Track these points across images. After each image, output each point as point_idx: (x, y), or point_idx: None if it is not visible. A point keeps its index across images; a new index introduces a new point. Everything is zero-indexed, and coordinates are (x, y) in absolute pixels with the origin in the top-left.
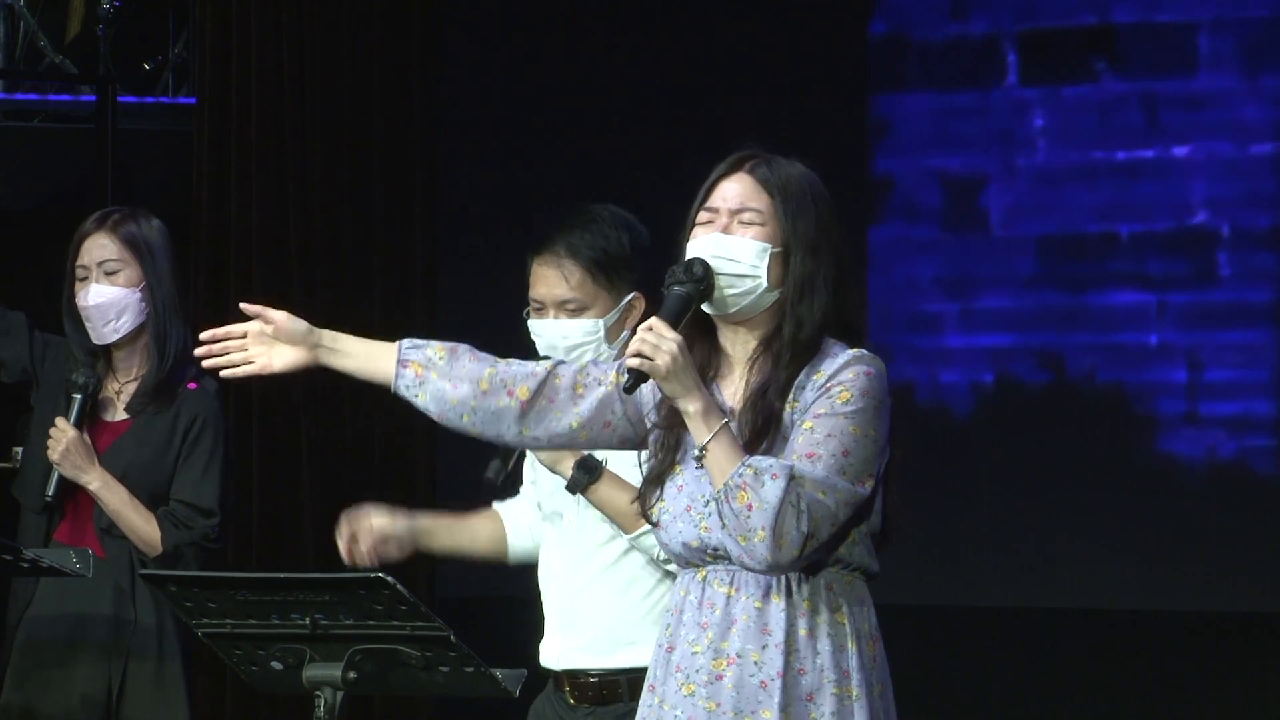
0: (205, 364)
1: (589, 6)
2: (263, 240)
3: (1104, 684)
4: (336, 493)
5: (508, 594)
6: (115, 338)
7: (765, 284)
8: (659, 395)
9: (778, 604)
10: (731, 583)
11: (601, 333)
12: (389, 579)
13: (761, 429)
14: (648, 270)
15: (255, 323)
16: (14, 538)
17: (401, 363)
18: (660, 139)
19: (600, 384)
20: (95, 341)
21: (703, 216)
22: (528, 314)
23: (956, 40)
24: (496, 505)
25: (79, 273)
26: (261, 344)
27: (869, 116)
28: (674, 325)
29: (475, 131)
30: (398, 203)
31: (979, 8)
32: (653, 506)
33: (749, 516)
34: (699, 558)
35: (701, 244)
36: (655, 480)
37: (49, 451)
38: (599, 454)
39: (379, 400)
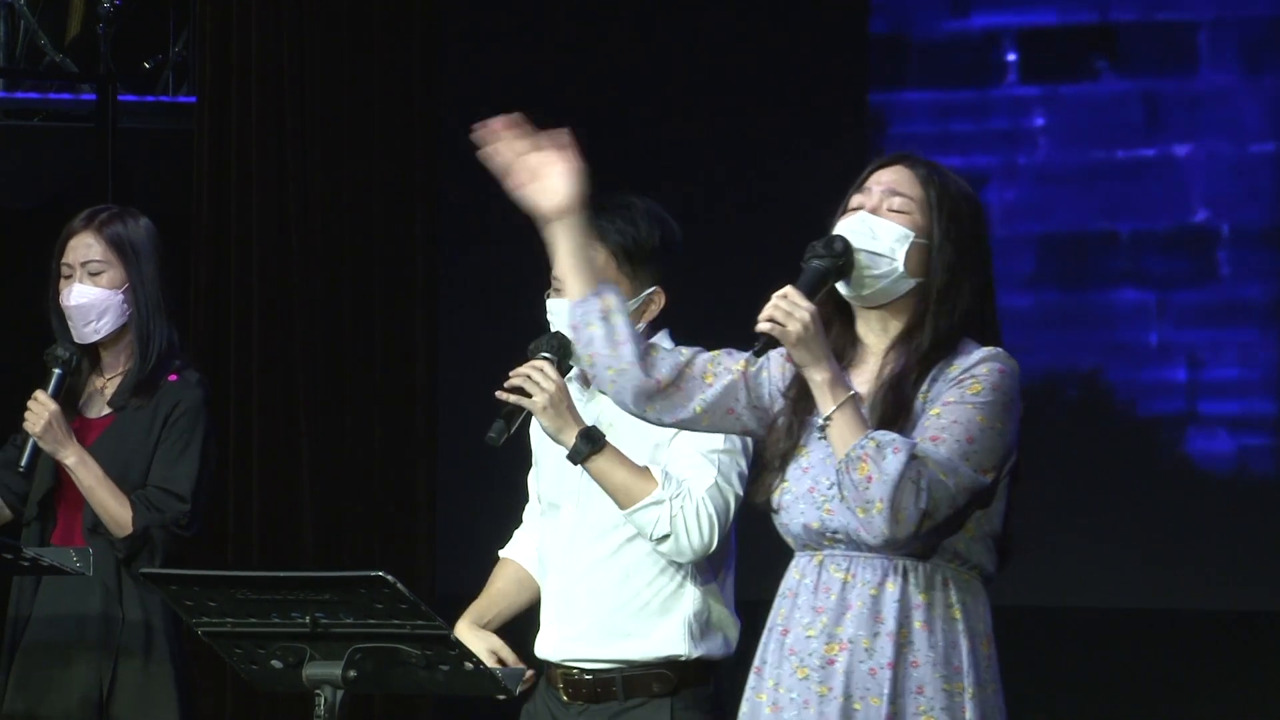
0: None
1: (589, 6)
2: (263, 239)
3: (1103, 683)
4: (336, 492)
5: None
6: (96, 338)
7: (901, 270)
8: (788, 378)
9: (892, 593)
10: (848, 568)
11: None
12: (389, 578)
13: (892, 417)
14: (674, 266)
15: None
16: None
17: (596, 294)
18: (661, 139)
19: (729, 372)
20: (76, 340)
21: (854, 200)
22: (548, 294)
23: (956, 38)
24: (503, 553)
25: (64, 270)
26: (539, 164)
27: (869, 115)
28: (809, 296)
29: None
30: (398, 201)
31: (979, 6)
32: (775, 489)
33: (868, 488)
34: (818, 541)
35: (848, 221)
36: (779, 462)
37: (27, 423)
38: (603, 428)
39: (379, 400)
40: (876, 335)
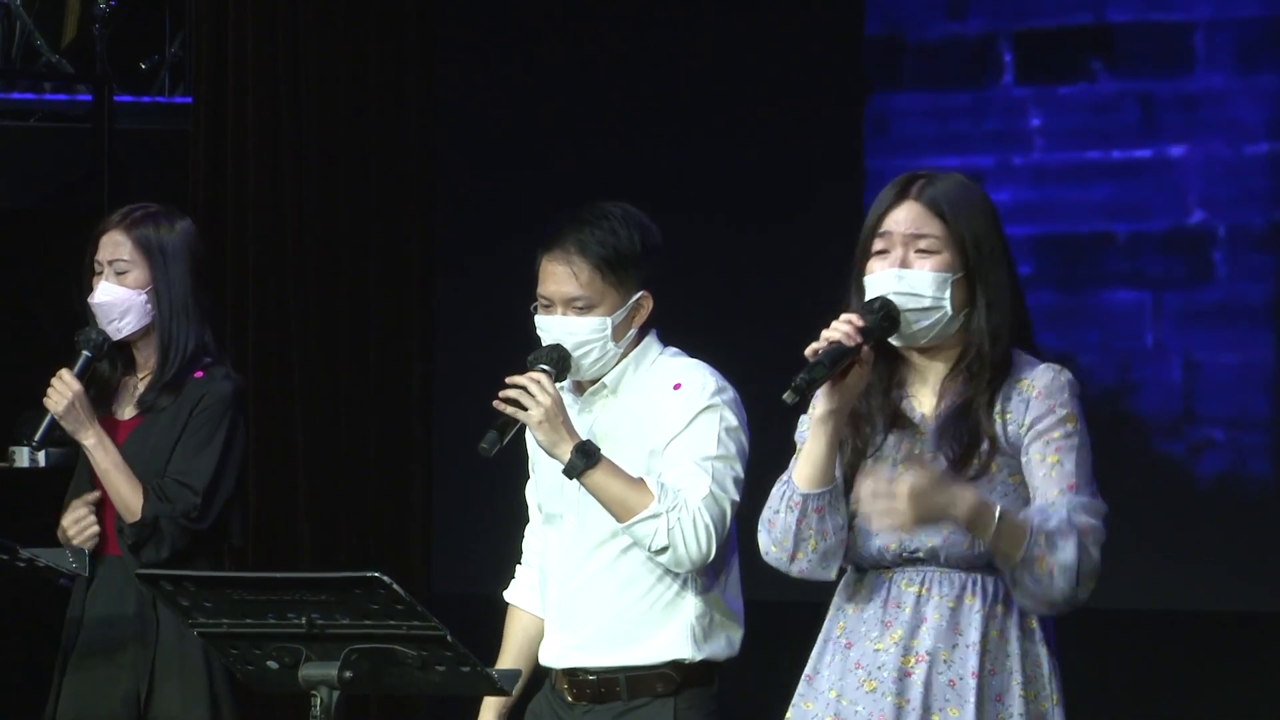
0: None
1: (585, 8)
2: (259, 240)
3: (1102, 684)
4: (332, 493)
5: (504, 594)
6: (118, 336)
7: (950, 312)
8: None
9: (971, 604)
10: (922, 582)
11: (608, 330)
12: (385, 578)
13: (970, 445)
14: (659, 269)
15: None
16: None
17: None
18: (658, 140)
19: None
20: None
21: (877, 245)
22: (535, 309)
23: (952, 39)
24: (509, 598)
25: (95, 267)
26: None
27: (865, 116)
28: (835, 374)
29: (472, 130)
30: (394, 202)
31: (975, 7)
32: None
33: (1052, 581)
34: (893, 560)
35: (881, 279)
36: (847, 484)
37: (49, 401)
38: (598, 440)
39: (374, 401)
40: (928, 363)
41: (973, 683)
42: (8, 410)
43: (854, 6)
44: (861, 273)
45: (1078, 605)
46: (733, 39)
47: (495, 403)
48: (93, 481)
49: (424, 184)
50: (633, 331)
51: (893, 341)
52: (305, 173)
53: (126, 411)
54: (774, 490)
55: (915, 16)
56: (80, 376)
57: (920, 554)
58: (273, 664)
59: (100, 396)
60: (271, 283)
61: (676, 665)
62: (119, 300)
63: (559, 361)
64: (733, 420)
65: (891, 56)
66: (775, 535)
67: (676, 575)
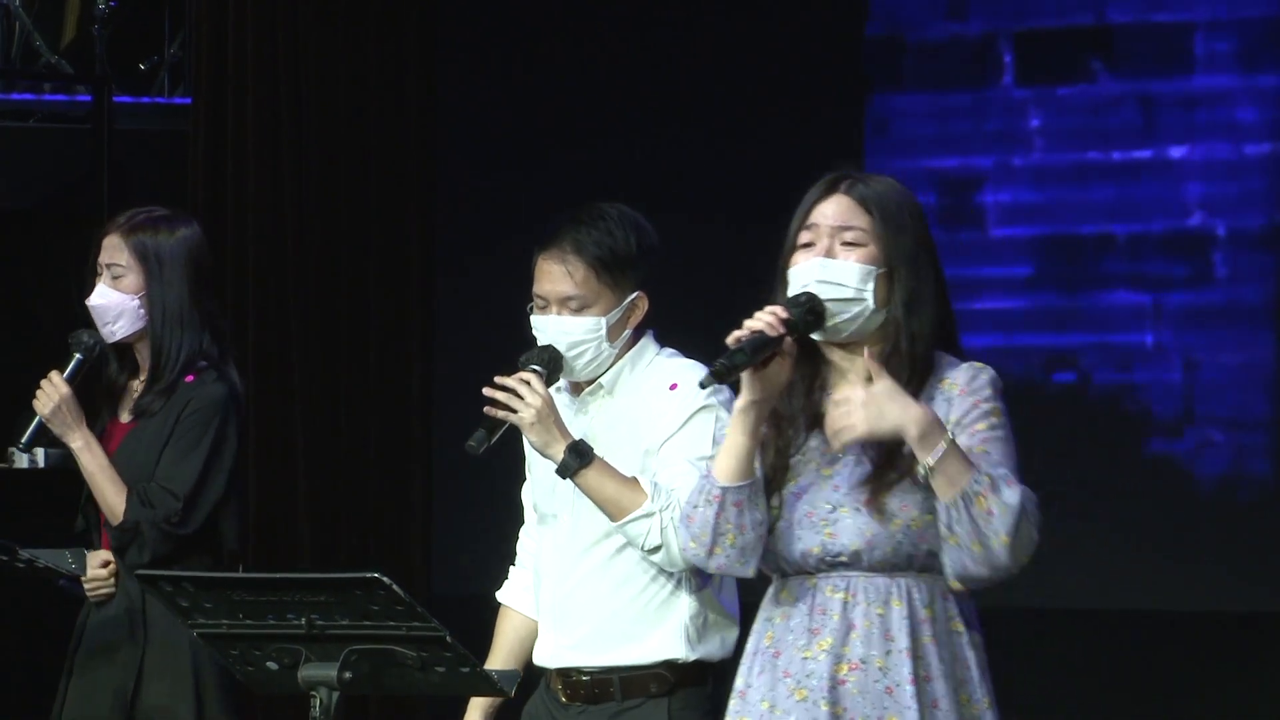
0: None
1: (585, 8)
2: (258, 241)
3: (1102, 685)
4: (332, 494)
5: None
6: (113, 339)
7: (873, 305)
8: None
9: (899, 610)
10: (847, 589)
11: (603, 331)
12: (385, 579)
13: (893, 446)
14: (654, 270)
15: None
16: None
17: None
18: (658, 142)
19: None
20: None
21: (803, 237)
22: (531, 308)
23: (952, 40)
24: (501, 598)
25: (97, 268)
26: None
27: (865, 117)
28: (757, 363)
29: (472, 130)
30: (394, 202)
31: (975, 8)
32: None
33: (990, 522)
34: (815, 565)
35: (805, 269)
36: (769, 486)
37: (37, 403)
38: (591, 440)
39: (374, 401)
40: (850, 362)
41: (910, 689)
42: (8, 410)
43: (854, 7)
44: (787, 266)
45: (1007, 570)
46: (733, 39)
47: (487, 409)
48: None
49: (424, 184)
50: (628, 332)
51: (815, 336)
52: (305, 173)
53: (126, 415)
54: (693, 485)
55: (915, 17)
56: (71, 379)
57: (843, 558)
58: (272, 665)
59: (108, 399)
60: (271, 283)
61: (670, 665)
62: (112, 304)
63: (550, 362)
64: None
65: (892, 57)
66: (694, 530)
67: (670, 575)
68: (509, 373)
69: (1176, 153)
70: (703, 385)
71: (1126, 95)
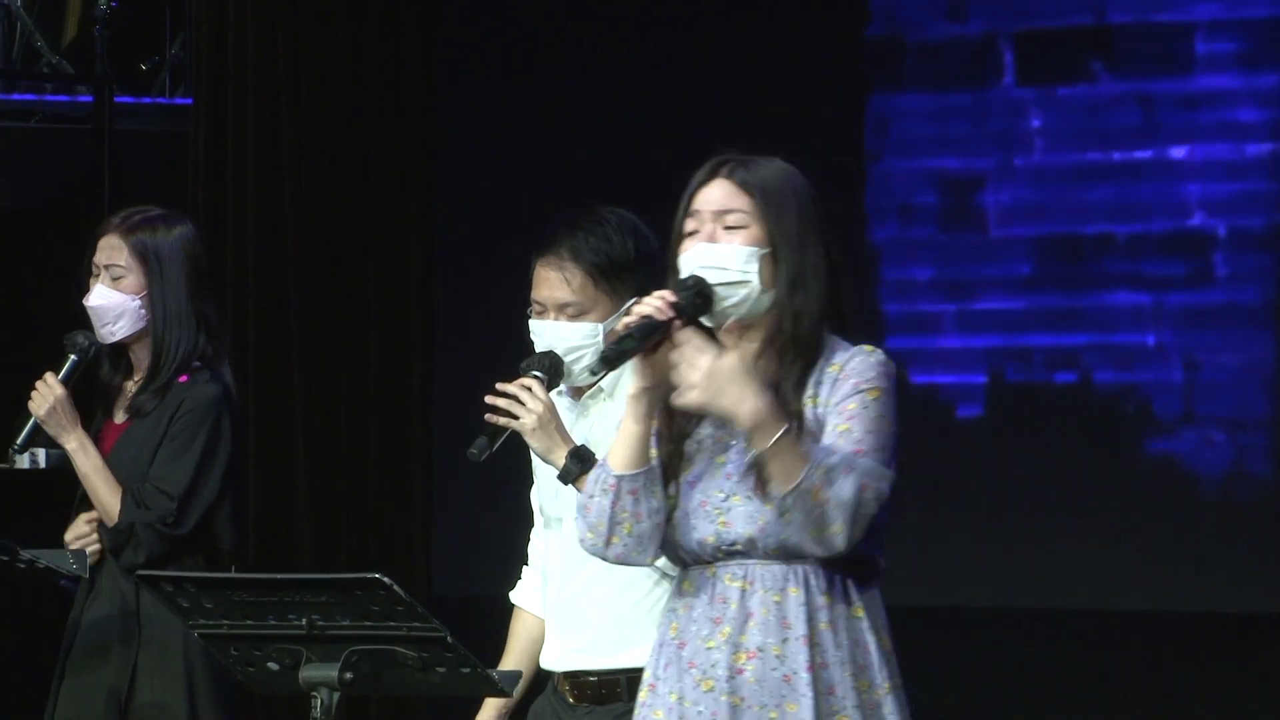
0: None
1: (585, 8)
2: (259, 241)
3: (1102, 685)
4: (333, 494)
5: (505, 594)
6: (112, 340)
7: (759, 287)
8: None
9: (796, 597)
10: (745, 577)
11: (600, 336)
12: (385, 580)
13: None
14: (652, 275)
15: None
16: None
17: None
18: (658, 143)
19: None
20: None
21: (688, 225)
22: (530, 313)
23: (953, 40)
24: (514, 599)
25: (93, 269)
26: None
27: (865, 117)
28: (646, 347)
29: (472, 130)
30: (394, 202)
31: (975, 8)
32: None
33: (824, 513)
34: (712, 554)
35: (690, 256)
36: (665, 474)
37: (32, 404)
38: (593, 446)
39: (375, 401)
40: (742, 346)
41: (806, 676)
42: (7, 410)
43: (855, 7)
44: (676, 254)
45: (841, 551)
46: (733, 39)
47: (487, 416)
48: None
49: (424, 184)
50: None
51: (706, 321)
52: (305, 173)
53: (120, 415)
54: (589, 475)
55: (916, 17)
56: (66, 380)
57: (739, 546)
58: (273, 665)
59: (103, 400)
60: (271, 283)
61: None
62: (113, 305)
63: (551, 368)
64: None
65: (892, 57)
66: (590, 520)
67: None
68: (509, 375)
69: (1177, 153)
70: (592, 372)
71: (1127, 95)
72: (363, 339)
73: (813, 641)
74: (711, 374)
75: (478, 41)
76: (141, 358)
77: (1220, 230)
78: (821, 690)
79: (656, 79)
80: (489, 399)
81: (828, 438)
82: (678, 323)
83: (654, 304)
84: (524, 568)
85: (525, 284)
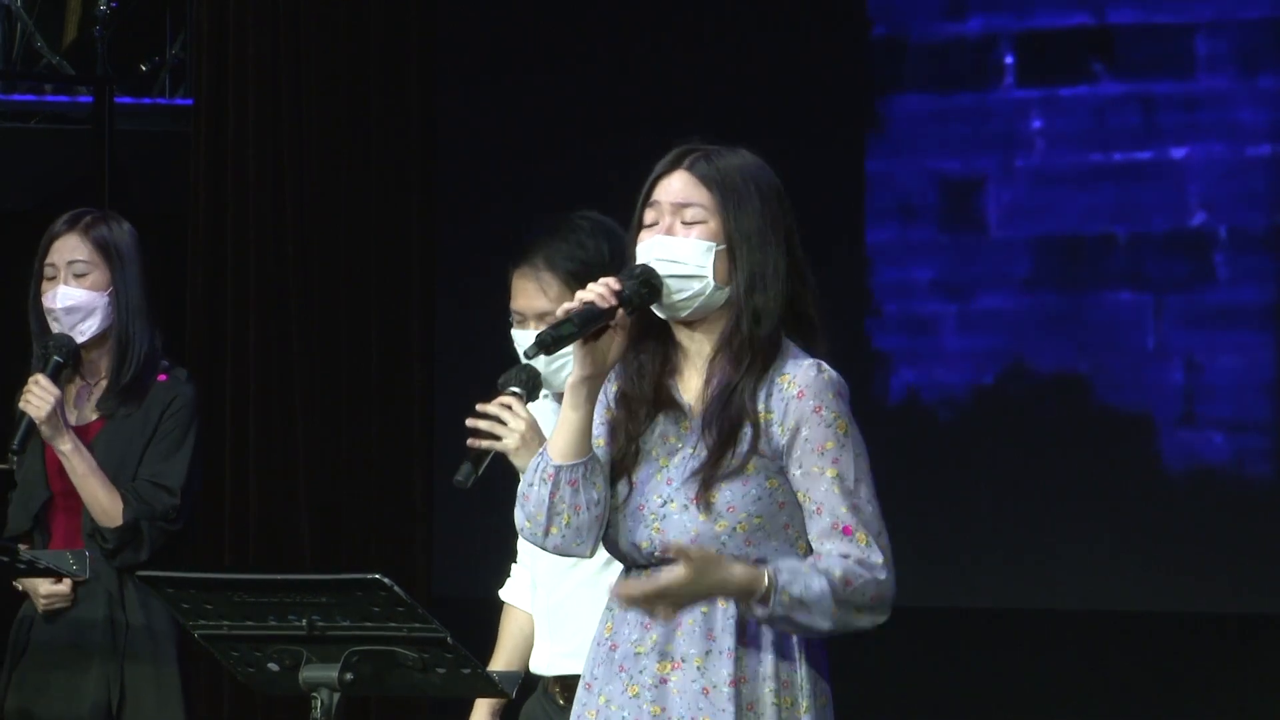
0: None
1: (586, 10)
2: (259, 241)
3: (1102, 685)
4: (333, 494)
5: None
6: (82, 339)
7: (713, 283)
8: (613, 390)
9: (724, 609)
10: None
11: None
12: (386, 580)
13: (730, 433)
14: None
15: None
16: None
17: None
18: (659, 143)
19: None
20: None
21: (647, 216)
22: (511, 322)
23: (954, 41)
24: (504, 596)
25: (47, 271)
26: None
27: (866, 118)
28: (586, 335)
29: (473, 132)
30: (394, 205)
31: (976, 9)
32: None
33: (809, 621)
34: (646, 559)
35: (645, 247)
36: (619, 469)
37: (31, 407)
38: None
39: (375, 402)
40: (696, 343)
41: (728, 691)
42: (7, 411)
43: (857, 8)
44: (634, 245)
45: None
46: (734, 40)
47: (470, 441)
48: (48, 485)
49: (424, 184)
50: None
51: (657, 312)
52: (305, 174)
53: (83, 415)
54: (529, 464)
55: (917, 18)
56: (54, 382)
57: (671, 554)
58: (273, 666)
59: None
60: (272, 284)
61: None
62: (84, 303)
63: (529, 382)
64: None
65: (893, 58)
66: (529, 509)
67: None
68: (503, 383)
69: (1178, 154)
70: (527, 356)
71: (1128, 96)
72: (363, 339)
73: (738, 656)
74: (669, 597)
75: (479, 43)
76: (95, 357)
77: (1221, 231)
78: (742, 706)
79: (658, 82)
80: (470, 422)
81: (817, 485)
82: (620, 312)
83: (598, 290)
84: (513, 565)
85: (509, 293)
